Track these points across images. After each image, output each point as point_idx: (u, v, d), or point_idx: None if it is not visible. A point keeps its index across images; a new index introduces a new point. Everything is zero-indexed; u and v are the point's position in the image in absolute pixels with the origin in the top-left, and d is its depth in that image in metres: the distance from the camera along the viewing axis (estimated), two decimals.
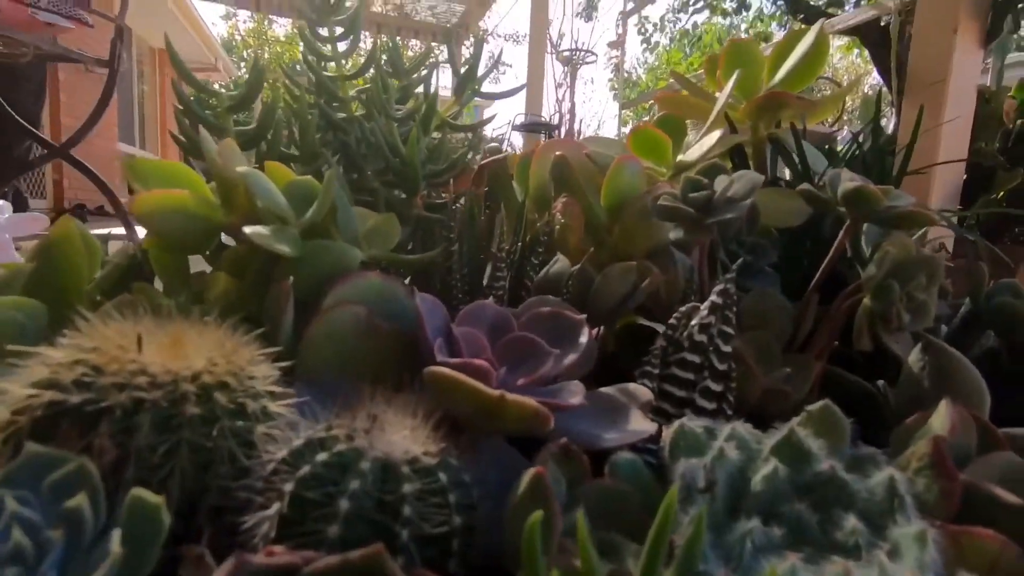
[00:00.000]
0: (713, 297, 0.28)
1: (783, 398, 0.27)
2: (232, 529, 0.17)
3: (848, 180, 0.30)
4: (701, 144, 0.41)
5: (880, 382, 0.30)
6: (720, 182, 0.33)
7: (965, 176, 2.50)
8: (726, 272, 0.34)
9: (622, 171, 0.38)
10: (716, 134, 0.40)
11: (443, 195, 0.41)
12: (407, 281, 0.35)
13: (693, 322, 0.28)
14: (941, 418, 0.23)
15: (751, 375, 0.27)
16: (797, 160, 0.44)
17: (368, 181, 0.39)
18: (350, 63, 0.46)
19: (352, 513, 0.16)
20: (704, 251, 0.34)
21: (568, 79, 3.26)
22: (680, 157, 0.42)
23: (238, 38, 10.23)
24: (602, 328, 0.35)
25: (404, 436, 0.19)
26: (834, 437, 0.21)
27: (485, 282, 0.31)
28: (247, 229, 0.27)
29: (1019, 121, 2.30)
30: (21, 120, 1.82)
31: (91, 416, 0.17)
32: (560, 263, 0.34)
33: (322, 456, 0.17)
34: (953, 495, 0.19)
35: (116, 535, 0.14)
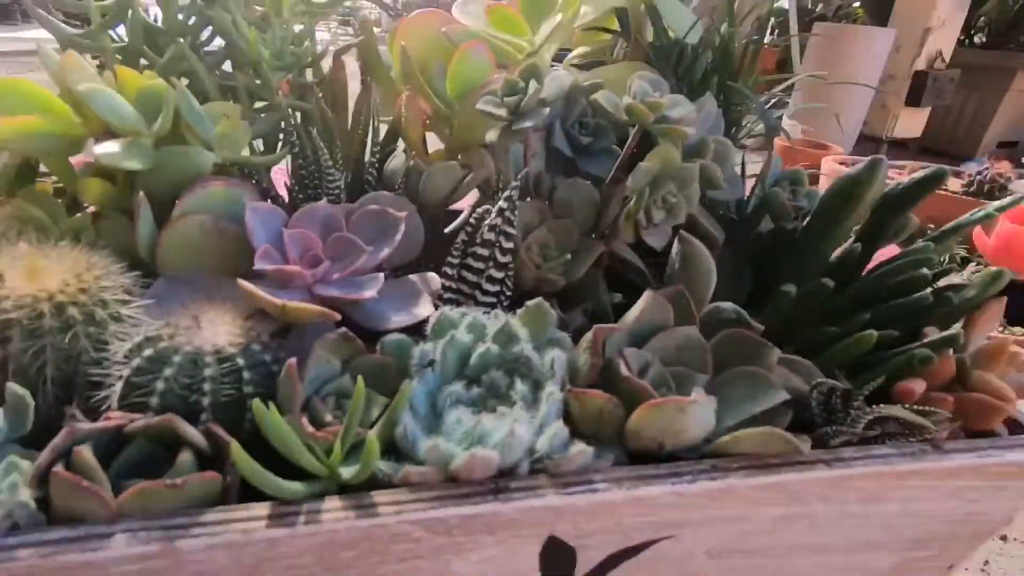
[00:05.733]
0: (500, 202, 0.33)
1: (551, 284, 0.35)
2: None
3: (641, 92, 0.34)
4: (550, 22, 0.42)
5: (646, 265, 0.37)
6: (539, 83, 0.36)
7: None
8: (572, 152, 0.39)
9: (466, 59, 0.40)
10: (557, 19, 0.42)
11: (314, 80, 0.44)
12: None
13: (485, 222, 0.34)
14: (639, 304, 0.30)
15: (526, 266, 0.34)
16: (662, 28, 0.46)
17: (233, 75, 0.41)
18: None
19: (166, 391, 0.24)
20: (529, 145, 0.39)
21: None
22: (535, 36, 0.44)
23: None
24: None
25: (219, 331, 0.27)
26: (538, 325, 0.29)
27: (319, 182, 0.36)
28: (96, 149, 0.31)
29: None
30: None
31: None
32: (397, 159, 0.38)
33: (148, 351, 0.25)
34: (595, 368, 0.27)
35: (2, 412, 0.22)
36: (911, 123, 2.62)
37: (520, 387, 0.27)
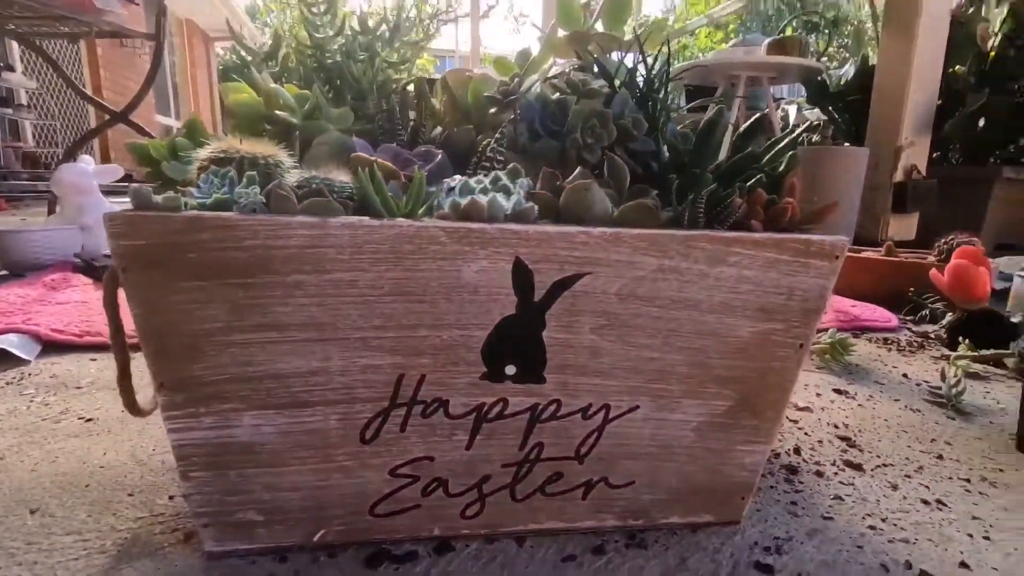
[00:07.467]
0: (495, 138, 0.58)
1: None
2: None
3: (576, 76, 0.60)
4: (532, 64, 0.70)
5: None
6: (519, 84, 0.63)
7: (940, 101, 2.71)
8: (544, 133, 0.64)
9: (479, 81, 0.68)
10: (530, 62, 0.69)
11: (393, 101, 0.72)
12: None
13: (486, 152, 0.58)
14: (574, 174, 0.53)
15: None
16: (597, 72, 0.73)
17: (343, 96, 0.70)
18: (338, 22, 0.77)
19: (317, 187, 0.47)
20: (518, 128, 0.64)
21: None
22: (515, 72, 0.72)
23: (260, 4, 10.56)
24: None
25: (339, 176, 0.51)
26: (514, 176, 0.51)
27: (394, 139, 0.62)
28: (278, 113, 0.58)
29: (997, 43, 2.48)
30: (86, 94, 2.14)
31: (227, 161, 0.48)
32: (437, 131, 0.64)
33: (307, 176, 0.49)
34: (543, 188, 0.49)
35: (247, 179, 0.46)
36: (903, 227, 2.84)
37: (499, 195, 0.49)
